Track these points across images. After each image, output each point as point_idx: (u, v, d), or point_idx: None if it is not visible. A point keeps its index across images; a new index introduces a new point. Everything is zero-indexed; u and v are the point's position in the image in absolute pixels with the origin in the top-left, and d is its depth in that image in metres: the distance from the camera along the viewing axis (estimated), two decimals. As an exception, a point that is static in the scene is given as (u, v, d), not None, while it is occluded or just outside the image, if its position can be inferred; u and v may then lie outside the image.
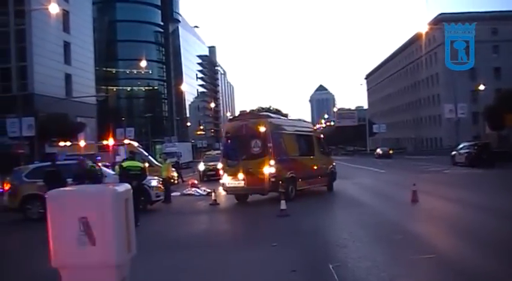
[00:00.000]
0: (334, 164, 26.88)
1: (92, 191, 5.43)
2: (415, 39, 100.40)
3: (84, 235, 4.76)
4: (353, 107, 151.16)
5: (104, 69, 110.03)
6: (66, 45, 77.73)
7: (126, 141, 33.87)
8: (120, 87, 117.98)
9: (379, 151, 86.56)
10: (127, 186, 5.27)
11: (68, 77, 77.10)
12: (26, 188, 20.54)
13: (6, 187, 21.72)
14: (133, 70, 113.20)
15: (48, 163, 19.82)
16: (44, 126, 47.66)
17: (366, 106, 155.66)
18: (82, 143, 35.88)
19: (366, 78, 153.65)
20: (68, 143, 36.95)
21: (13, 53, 66.09)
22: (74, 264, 4.88)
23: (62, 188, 5.56)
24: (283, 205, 16.70)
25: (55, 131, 53.50)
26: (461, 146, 44.90)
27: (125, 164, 17.89)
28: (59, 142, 42.41)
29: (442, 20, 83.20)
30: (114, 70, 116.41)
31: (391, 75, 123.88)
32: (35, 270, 10.17)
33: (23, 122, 43.88)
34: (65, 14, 77.06)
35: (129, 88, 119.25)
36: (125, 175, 16.99)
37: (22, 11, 63.23)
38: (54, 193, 5.06)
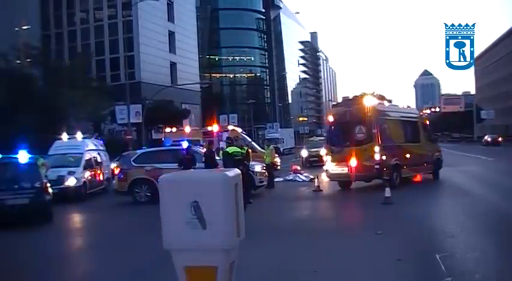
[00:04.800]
0: (440, 151, 26.15)
1: (203, 176, 5.55)
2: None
3: (195, 219, 4.88)
4: (459, 93, 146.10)
5: (207, 57, 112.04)
6: (171, 35, 79.89)
7: (230, 127, 34.30)
8: (223, 75, 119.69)
9: (487, 138, 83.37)
10: (236, 171, 5.35)
11: (172, 65, 79.26)
12: (134, 172, 21.26)
13: (116, 171, 22.60)
14: (235, 57, 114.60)
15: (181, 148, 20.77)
16: (150, 113, 49.20)
17: (473, 91, 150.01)
18: (187, 129, 36.64)
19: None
20: (174, 129, 37.87)
21: (121, 44, 68.87)
22: (184, 247, 5.01)
23: (174, 172, 5.74)
24: (387, 192, 16.45)
25: (161, 117, 55.21)
26: None
27: (230, 150, 18.13)
28: (165, 128, 43.56)
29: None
30: (217, 58, 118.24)
31: (501, 58, 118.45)
32: (148, 251, 10.55)
33: (131, 109, 45.51)
34: (170, 4, 79.21)
35: (231, 75, 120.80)
36: (230, 161, 17.24)
37: (129, 3, 65.54)
38: (167, 177, 5.21)
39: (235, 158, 17.16)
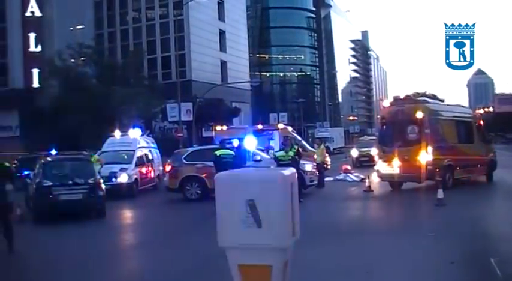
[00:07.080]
0: (494, 152, 25.56)
1: (259, 174, 5.53)
2: None
3: (251, 217, 4.89)
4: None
5: (258, 55, 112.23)
6: (222, 33, 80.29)
7: (280, 125, 34.22)
8: (273, 73, 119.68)
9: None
10: (292, 170, 5.34)
11: (223, 64, 79.64)
12: (185, 169, 21.43)
13: (168, 168, 22.83)
14: (286, 56, 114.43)
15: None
16: (201, 111, 49.56)
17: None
18: (237, 128, 36.76)
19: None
20: (224, 128, 38.02)
21: (172, 43, 69.70)
22: (239, 245, 5.03)
23: (230, 171, 5.77)
24: (440, 193, 16.17)
25: (211, 115, 55.51)
26: None
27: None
28: (215, 126, 43.77)
29: None
30: (267, 56, 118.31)
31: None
32: (201, 248, 10.65)
33: (182, 108, 46.00)
34: (220, 3, 79.71)
35: (282, 74, 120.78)
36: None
37: (180, 3, 66.16)
38: (223, 175, 5.23)
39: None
